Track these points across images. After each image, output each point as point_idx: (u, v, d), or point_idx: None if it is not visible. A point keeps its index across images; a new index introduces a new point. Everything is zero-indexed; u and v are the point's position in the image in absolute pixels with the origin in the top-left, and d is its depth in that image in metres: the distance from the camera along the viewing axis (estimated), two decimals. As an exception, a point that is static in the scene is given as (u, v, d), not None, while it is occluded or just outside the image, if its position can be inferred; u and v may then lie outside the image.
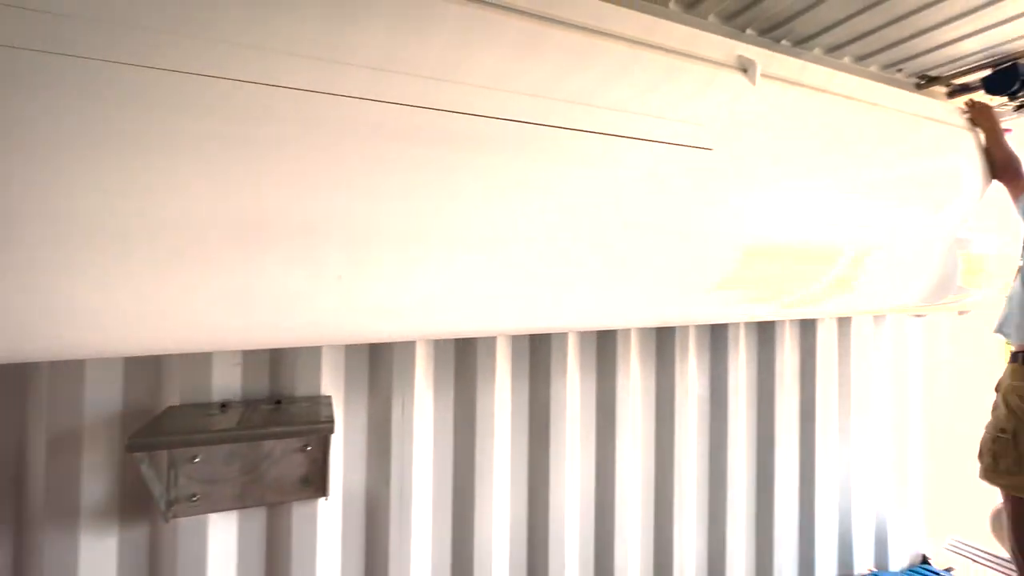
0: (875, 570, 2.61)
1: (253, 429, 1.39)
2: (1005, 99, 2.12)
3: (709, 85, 1.37)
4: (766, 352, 2.43)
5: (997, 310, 2.15)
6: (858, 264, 1.75)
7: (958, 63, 2.14)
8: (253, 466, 1.55)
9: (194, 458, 1.46)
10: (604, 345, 2.09)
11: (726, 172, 1.39)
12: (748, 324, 2.40)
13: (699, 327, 2.27)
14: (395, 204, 1.03)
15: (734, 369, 2.33)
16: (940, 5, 1.73)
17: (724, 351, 2.32)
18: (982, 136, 2.06)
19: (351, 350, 1.71)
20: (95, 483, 1.40)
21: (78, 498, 1.37)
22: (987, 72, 2.11)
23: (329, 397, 1.64)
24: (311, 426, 1.46)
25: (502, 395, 1.88)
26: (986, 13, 1.77)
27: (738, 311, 1.73)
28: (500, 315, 1.29)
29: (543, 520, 1.92)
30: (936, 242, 1.93)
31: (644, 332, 2.17)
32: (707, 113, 1.35)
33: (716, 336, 2.33)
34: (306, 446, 1.58)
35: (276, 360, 1.62)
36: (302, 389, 1.63)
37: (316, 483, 1.58)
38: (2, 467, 1.34)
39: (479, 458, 1.83)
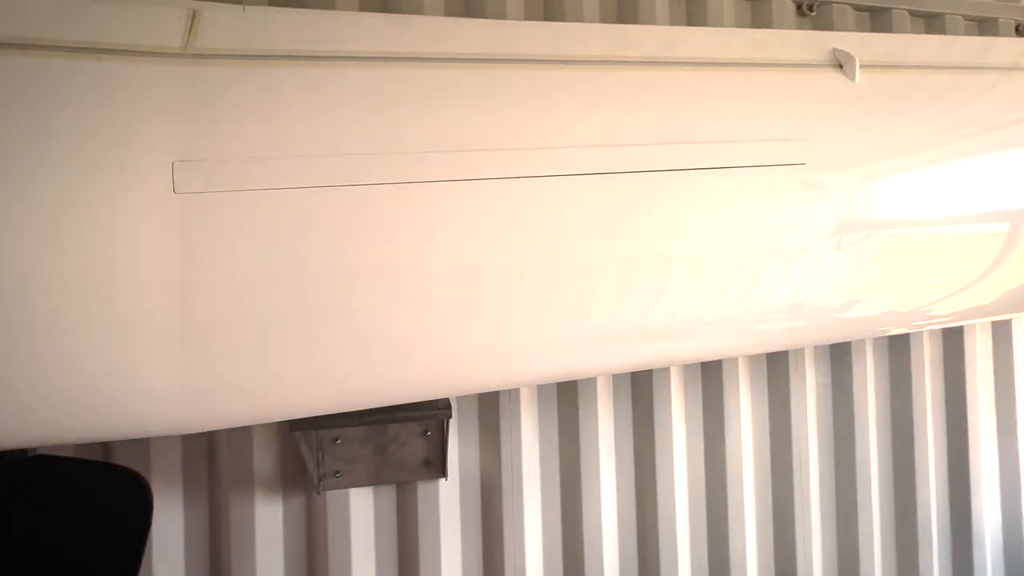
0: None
1: (381, 415, 1.59)
2: None
3: (803, 91, 1.25)
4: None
5: None
6: (1006, 247, 1.51)
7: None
8: (383, 448, 1.75)
9: (336, 440, 1.69)
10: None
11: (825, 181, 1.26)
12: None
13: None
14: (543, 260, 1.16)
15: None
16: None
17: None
18: None
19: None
20: (266, 457, 1.68)
21: (252, 469, 1.66)
22: None
23: (445, 387, 1.81)
24: (429, 412, 1.64)
25: (604, 384, 1.95)
26: None
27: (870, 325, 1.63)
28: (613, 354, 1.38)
29: (651, 500, 1.96)
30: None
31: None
32: (802, 122, 1.25)
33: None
34: (426, 431, 1.76)
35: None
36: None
37: (436, 465, 1.75)
38: (196, 440, 1.65)
39: (584, 444, 1.90)
